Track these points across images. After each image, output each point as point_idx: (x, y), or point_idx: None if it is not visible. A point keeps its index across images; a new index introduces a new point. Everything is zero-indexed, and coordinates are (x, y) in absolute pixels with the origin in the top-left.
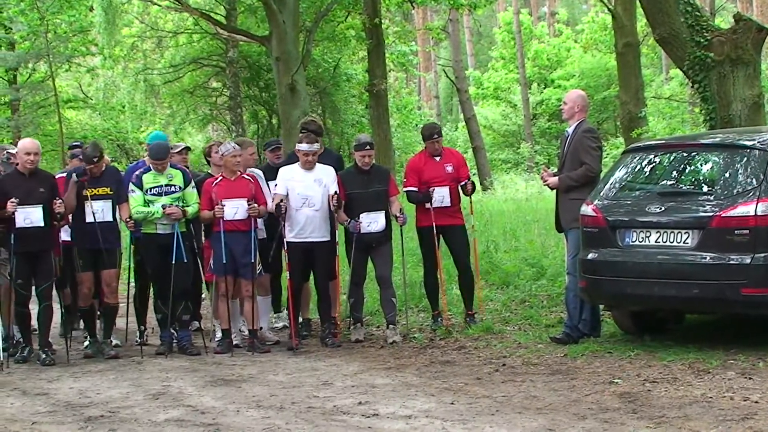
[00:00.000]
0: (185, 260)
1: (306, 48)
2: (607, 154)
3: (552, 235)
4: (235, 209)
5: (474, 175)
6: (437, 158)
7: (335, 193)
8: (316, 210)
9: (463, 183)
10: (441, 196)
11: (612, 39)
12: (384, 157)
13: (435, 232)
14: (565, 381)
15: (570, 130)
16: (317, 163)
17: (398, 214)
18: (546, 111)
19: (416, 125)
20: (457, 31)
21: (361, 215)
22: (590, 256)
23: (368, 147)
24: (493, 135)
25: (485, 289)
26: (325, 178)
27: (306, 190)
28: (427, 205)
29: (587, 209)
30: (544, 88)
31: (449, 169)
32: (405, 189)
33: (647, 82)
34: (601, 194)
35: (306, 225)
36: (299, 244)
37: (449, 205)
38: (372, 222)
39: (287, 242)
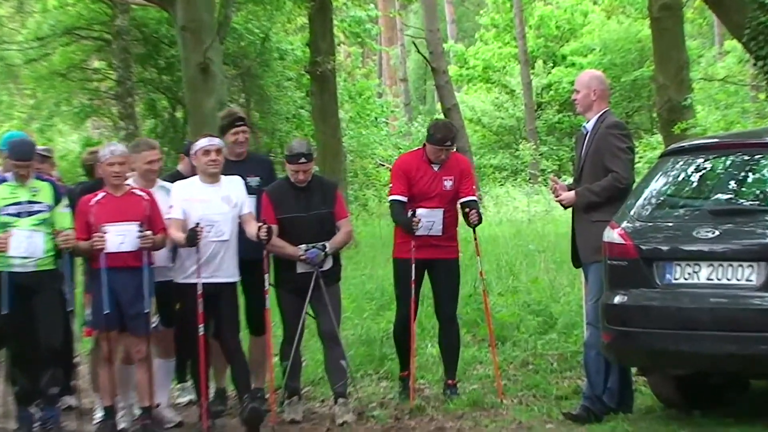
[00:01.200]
0: (56, 310)
1: (224, 14)
2: (640, 157)
3: (566, 270)
4: (121, 237)
5: None
6: (435, 166)
7: (263, 222)
8: (224, 240)
9: (465, 205)
10: (430, 221)
11: (644, 0)
12: (331, 163)
13: (415, 268)
14: None
15: (589, 125)
16: (221, 175)
17: (327, 245)
18: (555, 98)
19: (376, 118)
20: None
21: (319, 244)
22: (618, 299)
23: (303, 159)
24: (483, 132)
25: (473, 346)
26: (235, 194)
27: (211, 213)
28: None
29: (613, 235)
30: (553, 68)
31: (448, 184)
32: (391, 197)
33: (694, 58)
34: (632, 214)
35: (210, 260)
36: (203, 286)
37: (440, 233)
38: (313, 255)
39: (183, 284)
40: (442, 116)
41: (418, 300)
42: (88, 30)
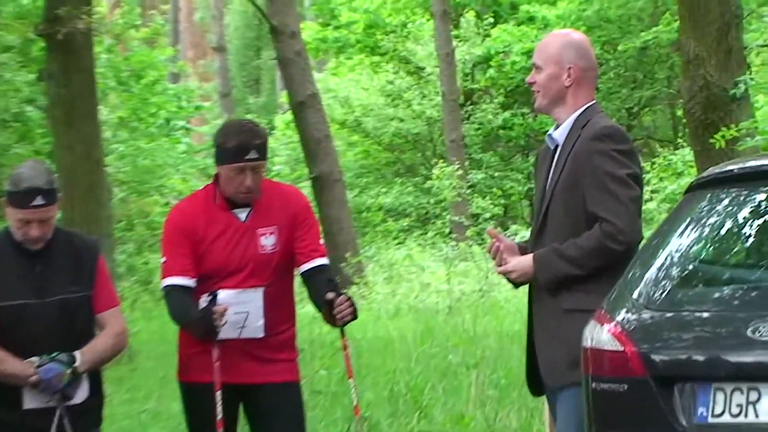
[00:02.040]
0: None
1: None
2: (652, 192)
3: (516, 400)
4: None
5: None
6: (241, 213)
7: None
8: None
9: (314, 280)
10: (240, 313)
11: None
12: (85, 205)
13: (223, 400)
14: None
15: (558, 133)
16: None
17: (79, 358)
18: (499, 83)
19: (167, 121)
20: None
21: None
22: None
23: (39, 200)
24: (366, 146)
25: None
26: None
27: None
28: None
29: (603, 335)
30: (494, 26)
31: (268, 243)
32: (164, 282)
33: (751, 9)
34: (637, 297)
35: None
36: None
37: (260, 334)
38: (52, 375)
39: None
40: (290, 115)
41: None
42: None
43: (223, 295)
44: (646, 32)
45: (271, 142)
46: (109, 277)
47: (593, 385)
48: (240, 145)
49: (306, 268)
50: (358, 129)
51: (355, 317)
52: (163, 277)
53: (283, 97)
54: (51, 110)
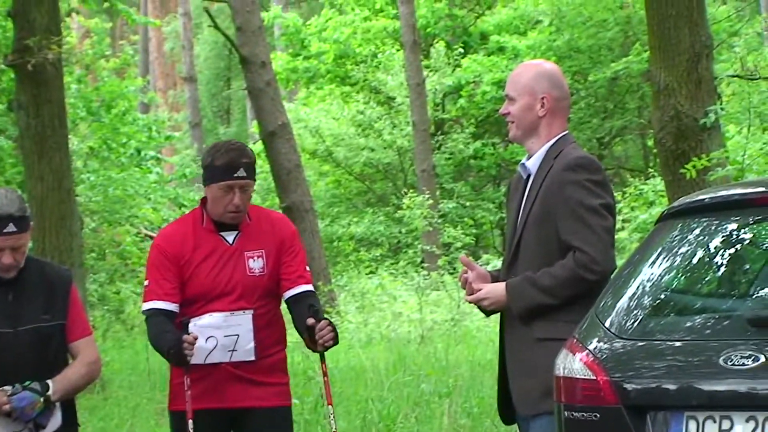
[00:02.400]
0: None
1: None
2: (623, 221)
3: (489, 429)
4: None
5: None
6: (229, 236)
7: None
8: None
9: (298, 306)
10: (230, 336)
11: None
12: (57, 235)
13: (206, 427)
14: None
15: (531, 163)
16: None
17: (52, 387)
18: (470, 112)
19: (138, 151)
20: None
21: (35, 385)
22: None
23: (11, 227)
24: (337, 175)
25: None
26: None
27: None
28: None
29: (575, 364)
30: (464, 56)
31: (256, 266)
32: (145, 305)
33: (722, 38)
34: (609, 325)
35: None
36: None
37: (251, 358)
38: (25, 404)
39: None
40: (260, 146)
41: None
42: None
43: (214, 318)
44: (617, 62)
45: None
46: (82, 306)
47: (565, 414)
48: (229, 162)
49: (290, 294)
50: (329, 159)
51: (336, 342)
52: (145, 301)
53: (253, 127)
54: (21, 141)
